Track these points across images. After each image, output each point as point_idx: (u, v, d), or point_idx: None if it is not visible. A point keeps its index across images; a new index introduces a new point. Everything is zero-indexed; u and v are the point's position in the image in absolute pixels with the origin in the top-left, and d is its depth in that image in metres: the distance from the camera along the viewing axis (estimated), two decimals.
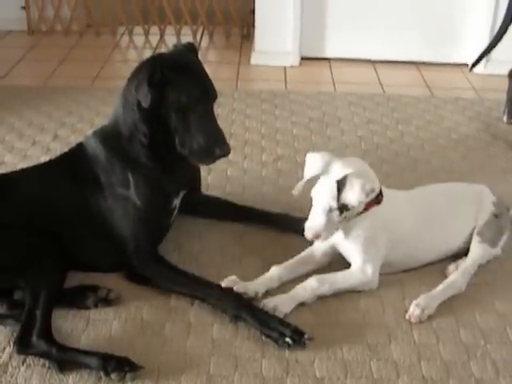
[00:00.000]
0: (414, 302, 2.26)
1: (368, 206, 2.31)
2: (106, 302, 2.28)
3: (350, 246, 2.36)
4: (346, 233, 2.34)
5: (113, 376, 1.97)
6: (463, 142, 3.55)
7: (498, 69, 4.47)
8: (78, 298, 2.27)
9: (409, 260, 2.46)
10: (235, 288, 2.25)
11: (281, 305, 2.22)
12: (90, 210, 2.41)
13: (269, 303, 2.22)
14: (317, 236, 2.28)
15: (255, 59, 4.68)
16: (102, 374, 1.98)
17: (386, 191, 2.38)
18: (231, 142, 3.35)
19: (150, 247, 2.40)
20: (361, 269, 2.33)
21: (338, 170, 2.26)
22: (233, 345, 2.13)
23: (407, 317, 2.24)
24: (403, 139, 3.56)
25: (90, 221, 2.40)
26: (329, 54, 4.72)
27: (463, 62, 4.62)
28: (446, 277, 2.40)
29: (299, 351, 2.10)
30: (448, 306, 2.29)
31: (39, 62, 4.67)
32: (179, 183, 2.52)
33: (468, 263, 2.42)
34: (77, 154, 2.51)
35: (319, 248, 2.43)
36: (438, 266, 2.49)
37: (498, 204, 2.58)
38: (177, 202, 2.54)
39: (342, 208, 2.24)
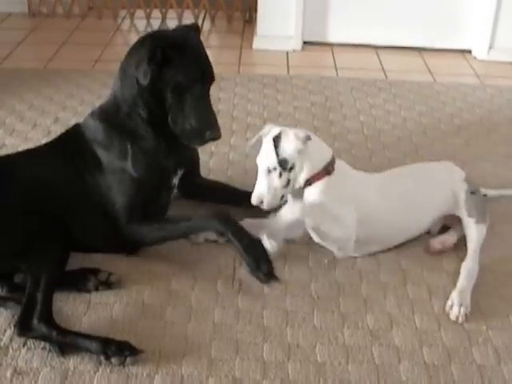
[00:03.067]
0: (452, 303, 2.21)
1: (317, 176, 2.35)
2: (107, 285, 2.27)
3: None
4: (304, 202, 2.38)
5: (113, 360, 1.97)
6: (465, 128, 3.53)
7: (500, 56, 4.47)
8: (78, 281, 2.27)
9: (383, 238, 2.46)
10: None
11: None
12: (89, 189, 2.39)
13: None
14: (260, 200, 2.34)
15: (257, 44, 4.66)
16: (102, 357, 1.98)
17: (350, 170, 2.48)
18: (233, 127, 3.38)
19: (142, 219, 2.39)
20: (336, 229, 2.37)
21: (276, 130, 2.34)
22: (234, 329, 2.13)
23: (453, 318, 2.17)
24: (405, 125, 3.54)
25: (89, 201, 2.39)
26: (331, 38, 4.70)
27: (466, 48, 4.60)
28: (432, 252, 2.47)
29: (301, 336, 2.09)
30: (450, 292, 2.27)
31: (40, 44, 4.64)
32: (177, 161, 2.51)
33: (473, 247, 2.41)
34: (73, 135, 2.50)
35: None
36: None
37: (469, 180, 2.56)
38: (175, 180, 2.54)
39: (283, 166, 2.29)
